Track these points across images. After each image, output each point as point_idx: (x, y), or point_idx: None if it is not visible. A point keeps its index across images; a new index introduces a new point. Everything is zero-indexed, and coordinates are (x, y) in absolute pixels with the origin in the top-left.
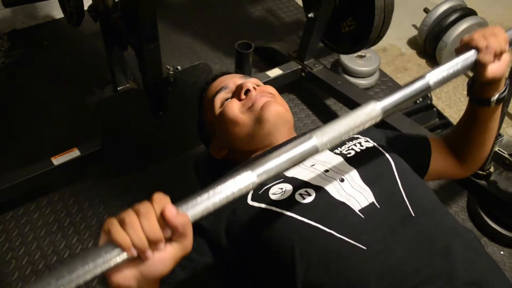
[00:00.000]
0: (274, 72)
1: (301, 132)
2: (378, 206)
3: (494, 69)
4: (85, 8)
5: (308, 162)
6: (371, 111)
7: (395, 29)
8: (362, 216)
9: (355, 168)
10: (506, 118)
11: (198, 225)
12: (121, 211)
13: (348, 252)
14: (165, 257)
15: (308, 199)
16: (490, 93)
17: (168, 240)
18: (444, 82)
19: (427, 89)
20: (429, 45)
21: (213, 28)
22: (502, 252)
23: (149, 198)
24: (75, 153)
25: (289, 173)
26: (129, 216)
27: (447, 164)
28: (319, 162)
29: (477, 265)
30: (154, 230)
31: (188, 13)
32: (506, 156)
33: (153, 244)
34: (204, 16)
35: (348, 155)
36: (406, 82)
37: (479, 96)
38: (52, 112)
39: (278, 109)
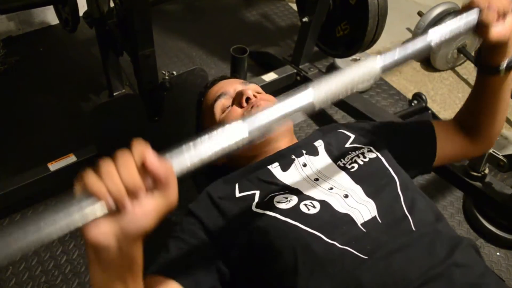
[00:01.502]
0: (270, 77)
1: (297, 136)
2: (380, 221)
3: (498, 30)
4: (81, 14)
5: (312, 175)
6: (370, 68)
7: (389, 32)
8: (364, 230)
9: (358, 184)
10: None
11: (206, 230)
12: None
13: (350, 261)
14: (146, 210)
15: (313, 211)
16: (498, 60)
17: (150, 191)
18: (446, 41)
19: (428, 48)
20: None
21: (208, 33)
22: (498, 253)
23: None
24: (71, 158)
25: (293, 185)
26: (106, 165)
27: (456, 145)
28: (323, 176)
29: (474, 270)
30: (133, 178)
31: (183, 19)
32: (500, 157)
33: (132, 194)
34: (199, 21)
35: (352, 170)
36: (401, 86)
37: (487, 64)
38: (48, 118)
39: None
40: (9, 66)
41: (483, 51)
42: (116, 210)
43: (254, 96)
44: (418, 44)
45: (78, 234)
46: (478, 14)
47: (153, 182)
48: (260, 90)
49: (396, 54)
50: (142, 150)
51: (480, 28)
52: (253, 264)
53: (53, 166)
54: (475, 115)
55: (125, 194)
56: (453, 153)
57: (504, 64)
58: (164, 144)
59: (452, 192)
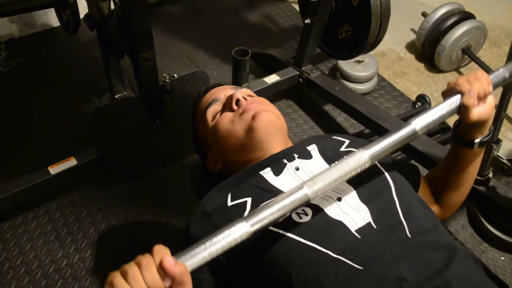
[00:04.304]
0: (272, 79)
1: (300, 138)
2: (375, 227)
3: (479, 111)
4: (82, 16)
5: (306, 178)
6: (359, 158)
7: (393, 33)
8: (359, 237)
9: (352, 186)
10: (505, 122)
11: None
12: (119, 220)
13: (345, 272)
14: None
15: (305, 219)
16: (474, 135)
17: None
18: (430, 127)
19: (414, 134)
20: (428, 49)
21: (210, 35)
22: (503, 258)
23: (145, 206)
24: (72, 162)
25: (285, 190)
26: (131, 268)
27: (427, 201)
28: None
29: (471, 280)
30: (155, 280)
31: (185, 21)
32: (505, 161)
33: None
34: (201, 23)
35: None
36: (405, 87)
37: (463, 136)
38: (49, 121)
39: (268, 117)
40: (11, 68)
41: (462, 125)
42: None
43: (244, 98)
44: (404, 132)
45: (78, 238)
46: (460, 99)
47: (172, 281)
48: (251, 93)
49: (382, 143)
50: (162, 253)
51: (462, 110)
52: (246, 277)
53: (54, 170)
54: (442, 181)
55: None
56: None
57: (479, 140)
58: (165, 147)
59: None
